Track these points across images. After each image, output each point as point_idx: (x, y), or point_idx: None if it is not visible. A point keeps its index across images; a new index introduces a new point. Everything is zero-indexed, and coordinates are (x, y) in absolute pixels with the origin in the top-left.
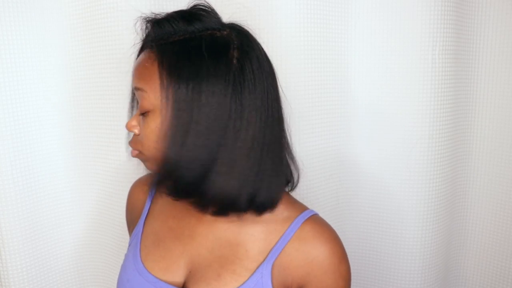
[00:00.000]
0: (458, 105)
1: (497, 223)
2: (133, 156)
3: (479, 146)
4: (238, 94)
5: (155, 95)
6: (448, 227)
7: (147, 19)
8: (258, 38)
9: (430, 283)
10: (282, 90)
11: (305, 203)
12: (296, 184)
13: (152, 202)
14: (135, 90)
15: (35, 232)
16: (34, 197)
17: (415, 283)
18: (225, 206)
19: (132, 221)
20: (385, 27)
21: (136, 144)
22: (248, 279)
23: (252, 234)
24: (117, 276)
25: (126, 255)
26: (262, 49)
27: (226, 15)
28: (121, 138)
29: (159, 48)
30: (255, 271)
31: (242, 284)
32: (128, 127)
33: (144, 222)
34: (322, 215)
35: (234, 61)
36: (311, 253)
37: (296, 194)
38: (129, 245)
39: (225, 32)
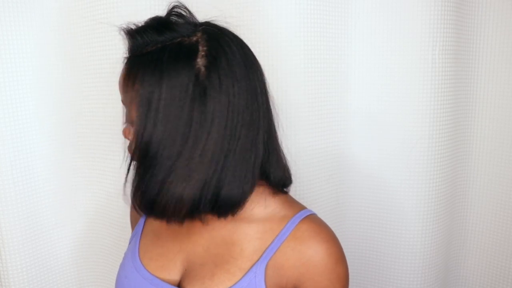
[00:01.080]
0: (458, 105)
1: (497, 223)
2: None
3: (479, 146)
4: (201, 104)
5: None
6: (448, 227)
7: (124, 30)
8: (258, 38)
9: (430, 283)
10: (271, 89)
11: (304, 203)
12: (290, 184)
13: None
14: None
15: (35, 232)
16: (34, 197)
17: (415, 283)
18: (186, 211)
19: (135, 220)
20: (385, 27)
21: (130, 150)
22: (241, 278)
23: (248, 233)
24: (116, 276)
25: (125, 253)
26: (240, 50)
27: (226, 15)
28: (121, 138)
29: (129, 62)
30: (248, 270)
31: (235, 283)
32: (123, 134)
33: (145, 222)
34: (322, 215)
35: (202, 69)
36: (306, 253)
37: (296, 194)
38: (129, 244)
39: (194, 38)
